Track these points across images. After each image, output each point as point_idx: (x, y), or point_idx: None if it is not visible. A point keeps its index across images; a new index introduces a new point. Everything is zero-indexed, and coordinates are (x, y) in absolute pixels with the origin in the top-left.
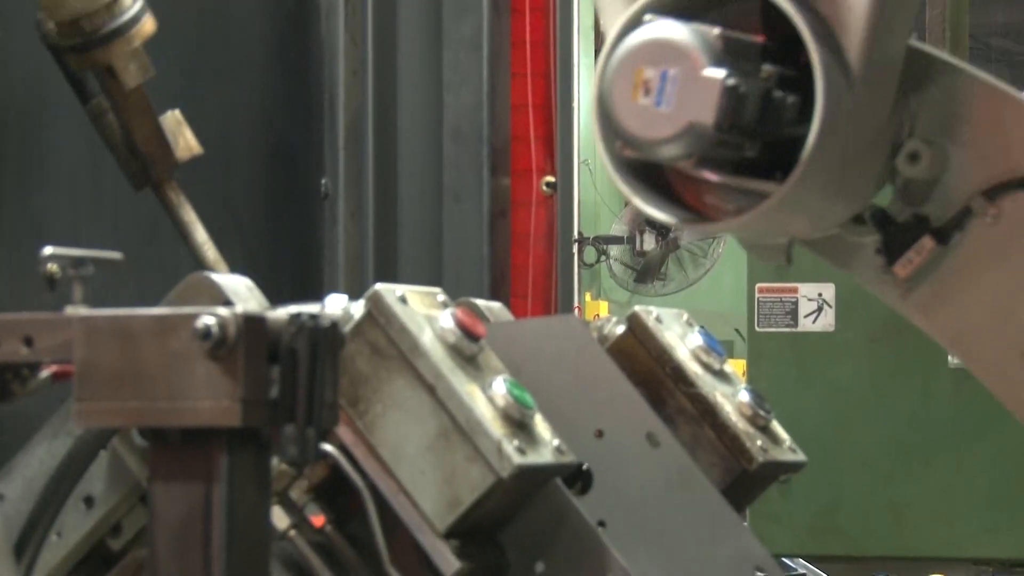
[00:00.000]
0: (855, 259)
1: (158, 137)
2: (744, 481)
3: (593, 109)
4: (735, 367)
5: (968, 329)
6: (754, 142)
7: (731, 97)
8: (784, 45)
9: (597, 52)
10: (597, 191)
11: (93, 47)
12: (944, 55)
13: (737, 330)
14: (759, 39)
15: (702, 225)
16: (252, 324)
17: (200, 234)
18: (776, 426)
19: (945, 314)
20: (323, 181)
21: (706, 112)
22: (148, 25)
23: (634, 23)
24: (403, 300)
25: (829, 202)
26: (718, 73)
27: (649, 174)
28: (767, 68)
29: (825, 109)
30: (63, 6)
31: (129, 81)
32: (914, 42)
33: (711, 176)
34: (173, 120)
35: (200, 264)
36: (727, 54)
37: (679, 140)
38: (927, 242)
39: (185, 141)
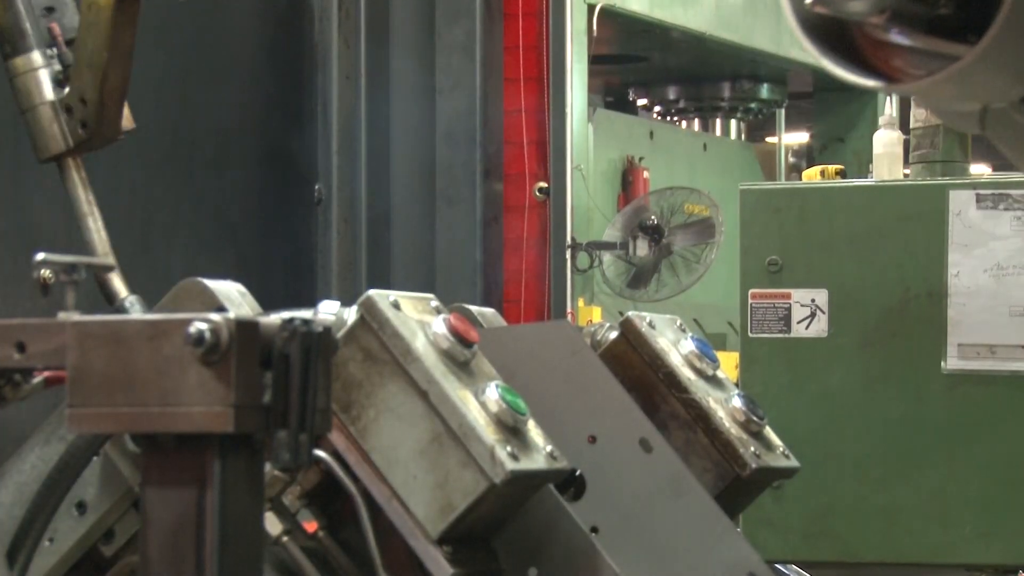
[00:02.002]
0: None
1: (122, 93)
2: (737, 487)
3: None
4: (728, 360)
5: None
6: None
7: None
8: None
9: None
10: (590, 196)
11: None
12: None
13: (730, 323)
14: None
15: (891, 87)
16: (245, 329)
17: (98, 221)
18: (769, 432)
19: None
20: (316, 186)
21: None
22: None
23: None
24: (396, 305)
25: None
26: None
27: (836, 37)
28: None
29: None
30: None
31: None
32: None
33: (901, 38)
34: None
35: (88, 250)
36: None
37: None
38: None
39: (126, 111)
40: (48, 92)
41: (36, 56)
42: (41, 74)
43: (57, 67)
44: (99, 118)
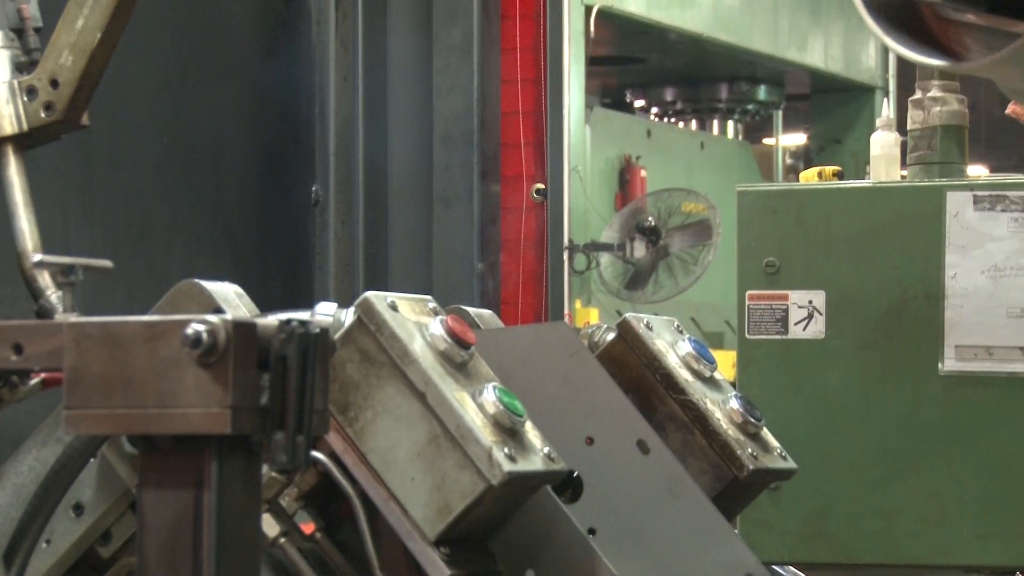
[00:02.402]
0: None
1: (99, 78)
2: (734, 488)
3: None
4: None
5: None
6: None
7: None
8: None
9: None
10: (587, 198)
11: None
12: None
13: (727, 322)
14: None
15: (956, 65)
16: (242, 331)
17: (31, 213)
18: (766, 433)
19: None
20: (313, 188)
21: None
22: None
23: None
24: (393, 307)
25: None
26: None
27: (902, 18)
28: None
29: None
30: None
31: None
32: None
33: (966, 15)
34: None
35: (15, 241)
36: None
37: None
38: None
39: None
40: (5, 72)
41: None
42: (1, 54)
43: (17, 50)
44: (71, 100)
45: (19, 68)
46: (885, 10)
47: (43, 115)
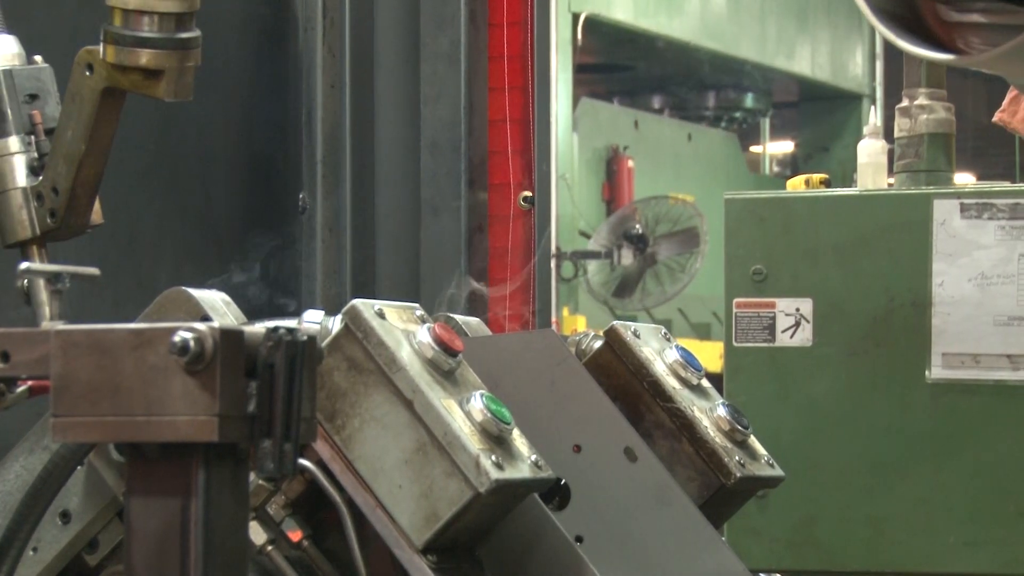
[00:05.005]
0: None
1: (95, 186)
2: (722, 496)
3: None
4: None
5: None
6: None
7: None
8: None
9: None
10: (575, 206)
11: (170, 45)
12: None
13: (714, 313)
14: None
15: (962, 60)
16: (229, 339)
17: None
18: (754, 441)
19: None
20: (300, 195)
21: None
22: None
23: None
24: (381, 315)
25: None
26: None
27: (907, 20)
28: None
29: None
30: None
31: (171, 94)
32: None
33: (964, 15)
34: None
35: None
36: None
37: None
38: None
39: (96, 205)
40: (21, 178)
41: (14, 141)
42: (16, 159)
43: (34, 155)
44: (69, 208)
45: (34, 171)
46: (889, 8)
47: (49, 221)
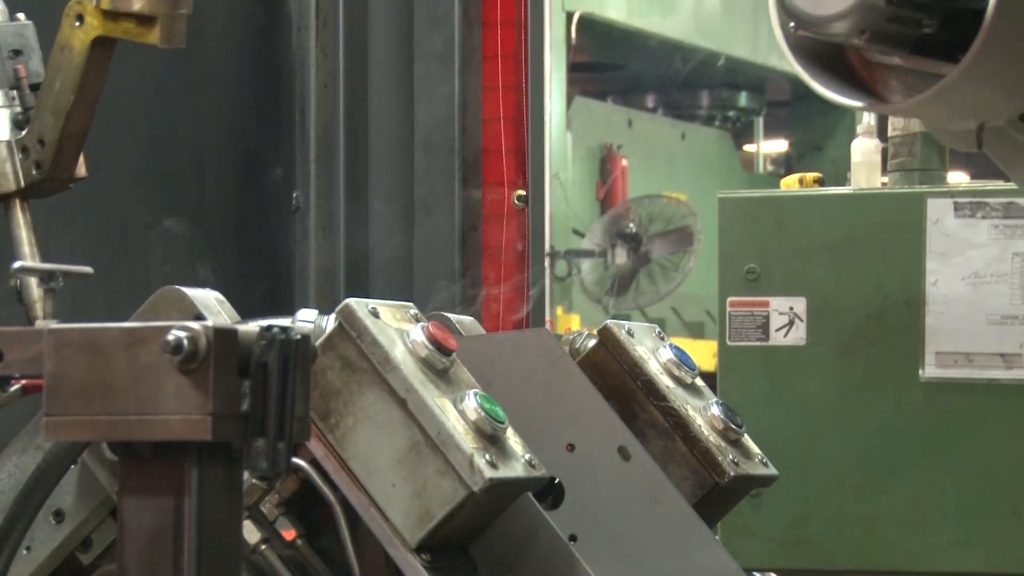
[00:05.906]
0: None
1: (81, 138)
2: (716, 495)
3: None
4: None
5: None
6: (931, 17)
7: None
8: None
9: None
10: (568, 205)
11: None
12: None
13: (708, 312)
14: None
15: (883, 106)
16: (223, 338)
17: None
18: (747, 440)
19: None
20: (294, 194)
21: None
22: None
23: None
24: (375, 313)
25: (1016, 80)
26: None
27: (829, 59)
28: None
29: None
30: None
31: (165, 40)
32: None
33: (887, 57)
34: None
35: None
36: None
37: (850, 15)
38: None
39: (80, 159)
40: (4, 132)
41: None
42: (0, 113)
43: (18, 109)
44: (55, 161)
45: (19, 125)
46: (811, 52)
47: (34, 173)
